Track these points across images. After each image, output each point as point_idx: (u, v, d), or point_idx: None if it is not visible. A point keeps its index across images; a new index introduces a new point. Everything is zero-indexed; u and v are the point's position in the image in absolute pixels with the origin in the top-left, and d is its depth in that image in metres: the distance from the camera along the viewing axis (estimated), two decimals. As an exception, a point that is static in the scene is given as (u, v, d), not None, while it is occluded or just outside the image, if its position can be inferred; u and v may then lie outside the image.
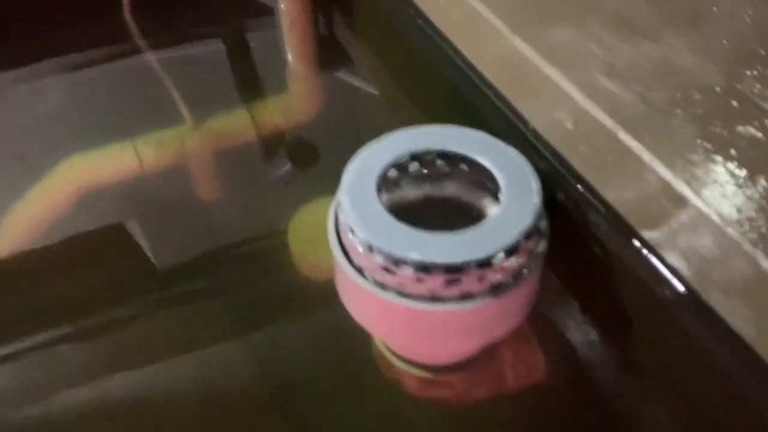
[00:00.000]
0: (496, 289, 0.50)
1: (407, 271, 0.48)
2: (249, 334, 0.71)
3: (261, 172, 0.85)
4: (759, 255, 0.41)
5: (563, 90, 0.51)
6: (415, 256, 0.47)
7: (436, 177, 0.56)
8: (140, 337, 0.70)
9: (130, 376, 0.66)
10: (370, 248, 0.49)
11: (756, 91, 0.49)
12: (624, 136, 0.48)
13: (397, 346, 0.60)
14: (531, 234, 0.49)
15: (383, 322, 0.55)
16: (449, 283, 0.48)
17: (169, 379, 0.67)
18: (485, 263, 0.48)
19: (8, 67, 0.92)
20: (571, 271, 0.58)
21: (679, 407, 0.52)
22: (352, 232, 0.50)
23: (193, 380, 0.66)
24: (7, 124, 0.88)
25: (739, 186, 0.44)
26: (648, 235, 0.48)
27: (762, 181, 0.44)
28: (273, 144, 0.87)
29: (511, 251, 0.48)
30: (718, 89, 0.50)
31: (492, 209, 0.55)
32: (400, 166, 0.55)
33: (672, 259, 0.47)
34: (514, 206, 0.50)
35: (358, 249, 0.50)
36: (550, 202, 0.54)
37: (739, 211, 0.42)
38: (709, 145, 0.46)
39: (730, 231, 0.42)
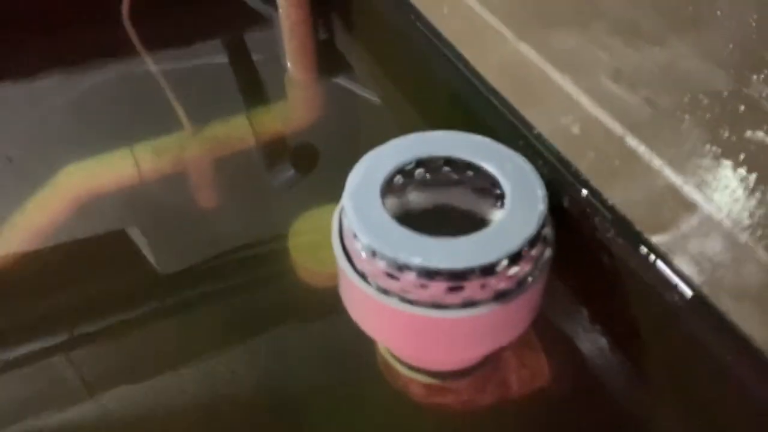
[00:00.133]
0: (501, 297, 0.49)
1: (410, 277, 0.48)
2: (250, 342, 0.70)
3: (260, 179, 0.85)
4: (772, 260, 0.40)
5: (570, 95, 0.51)
6: (418, 261, 0.47)
7: (442, 183, 0.56)
8: (140, 345, 0.70)
9: (130, 385, 0.66)
10: (373, 253, 0.49)
11: (764, 95, 0.49)
12: (632, 141, 0.47)
13: (401, 352, 0.60)
14: (535, 241, 0.49)
15: (386, 329, 0.55)
16: (452, 289, 0.48)
17: (170, 388, 0.66)
18: (488, 270, 0.47)
19: (6, 73, 0.92)
20: (577, 278, 0.58)
21: (690, 414, 0.52)
22: (356, 237, 0.50)
23: (193, 388, 0.66)
24: (5, 132, 0.88)
25: (751, 190, 0.43)
26: (657, 240, 0.48)
27: (773, 186, 0.44)
28: (272, 151, 0.87)
29: (514, 258, 0.48)
30: (725, 94, 0.49)
31: (497, 216, 0.54)
32: (406, 172, 0.54)
33: (682, 265, 0.47)
34: (518, 213, 0.50)
35: (361, 254, 0.50)
36: (556, 208, 0.54)
37: (750, 215, 0.42)
38: (718, 150, 0.46)
39: (743, 236, 0.42)
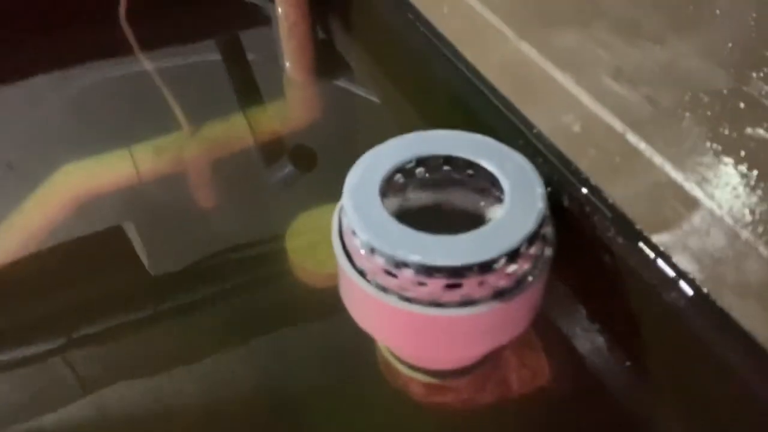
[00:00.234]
0: (499, 295, 0.49)
1: (408, 274, 0.48)
2: (248, 342, 0.70)
3: (258, 178, 0.85)
4: (774, 256, 0.41)
5: (571, 93, 0.51)
6: (416, 258, 0.47)
7: (441, 182, 0.56)
8: (138, 346, 0.70)
9: (128, 386, 0.66)
10: (372, 250, 0.49)
11: (764, 93, 0.49)
12: (633, 139, 0.48)
13: (400, 351, 0.60)
14: (534, 239, 0.49)
15: (385, 327, 0.55)
16: (450, 287, 0.48)
17: (168, 389, 0.66)
18: (487, 267, 0.47)
19: (4, 73, 0.91)
20: (577, 277, 0.58)
21: (691, 413, 0.52)
22: (355, 234, 0.50)
23: (192, 388, 0.66)
24: (3, 132, 0.87)
25: (752, 188, 0.44)
26: (658, 238, 0.48)
27: (774, 183, 0.44)
28: (270, 151, 0.87)
29: (513, 256, 0.48)
30: (725, 91, 0.50)
31: (496, 214, 0.54)
32: (406, 171, 0.54)
33: (684, 262, 0.47)
34: (517, 211, 0.50)
35: (360, 252, 0.50)
36: (557, 207, 0.54)
37: (752, 212, 0.42)
38: (719, 147, 0.46)
39: (744, 233, 0.42)
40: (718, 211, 0.43)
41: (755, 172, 0.44)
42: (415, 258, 0.47)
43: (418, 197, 0.56)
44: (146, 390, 0.65)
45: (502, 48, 0.57)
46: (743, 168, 0.45)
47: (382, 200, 0.51)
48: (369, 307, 0.53)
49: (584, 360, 0.60)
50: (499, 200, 0.52)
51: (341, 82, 0.92)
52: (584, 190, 0.54)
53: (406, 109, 0.82)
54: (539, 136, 0.57)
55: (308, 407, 0.64)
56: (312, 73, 0.92)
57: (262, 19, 0.91)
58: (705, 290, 0.46)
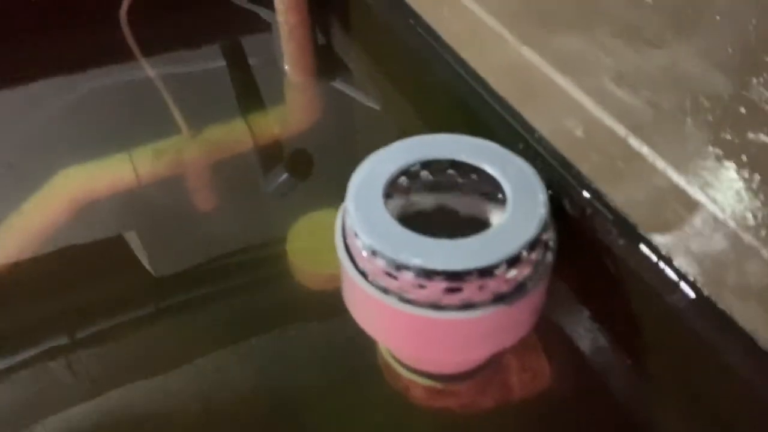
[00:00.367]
0: (499, 299, 0.49)
1: (409, 277, 0.48)
2: (249, 345, 0.70)
3: (258, 182, 0.85)
4: (776, 259, 0.41)
5: (573, 98, 0.52)
6: (417, 261, 0.47)
7: (445, 186, 0.56)
8: (139, 348, 0.70)
9: (128, 389, 0.66)
10: (374, 252, 0.49)
11: (764, 98, 0.49)
12: (635, 143, 0.48)
13: (401, 353, 0.60)
14: (535, 245, 0.49)
15: (386, 328, 0.55)
16: (450, 290, 0.48)
17: (168, 391, 0.66)
18: (487, 272, 0.48)
19: (4, 77, 0.91)
20: (580, 280, 0.59)
21: (692, 413, 0.53)
22: (357, 236, 0.50)
23: (192, 392, 0.66)
24: (3, 135, 0.87)
25: (754, 192, 0.44)
26: (660, 240, 0.49)
27: (775, 187, 0.44)
28: (270, 154, 0.87)
29: (513, 261, 0.48)
30: (726, 96, 0.50)
31: (498, 219, 0.55)
32: (410, 174, 0.54)
33: (685, 265, 0.47)
34: (519, 217, 0.50)
35: (362, 253, 0.50)
36: (557, 210, 0.55)
37: (754, 216, 0.43)
38: (720, 152, 0.46)
39: (746, 236, 0.42)
40: (720, 215, 0.43)
41: (757, 177, 0.45)
42: (415, 261, 0.47)
43: (421, 200, 0.56)
44: (147, 392, 0.65)
45: (504, 52, 0.57)
46: (745, 172, 0.45)
47: (386, 202, 0.52)
48: (370, 308, 0.53)
49: (585, 362, 0.61)
50: (502, 205, 0.53)
51: (341, 86, 0.92)
52: (586, 194, 0.54)
53: (406, 113, 0.82)
54: (540, 140, 0.58)
55: (309, 409, 0.64)
56: (312, 77, 0.92)
57: (262, 22, 0.92)
58: (707, 292, 0.47)
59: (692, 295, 0.48)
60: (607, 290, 0.55)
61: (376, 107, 0.87)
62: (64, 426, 0.63)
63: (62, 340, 0.70)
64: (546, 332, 0.61)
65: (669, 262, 0.49)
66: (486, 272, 0.48)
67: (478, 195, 0.56)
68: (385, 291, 0.50)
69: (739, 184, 0.44)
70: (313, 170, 0.85)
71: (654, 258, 0.50)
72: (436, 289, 0.48)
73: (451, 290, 0.48)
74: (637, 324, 0.54)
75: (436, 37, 0.69)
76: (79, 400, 0.65)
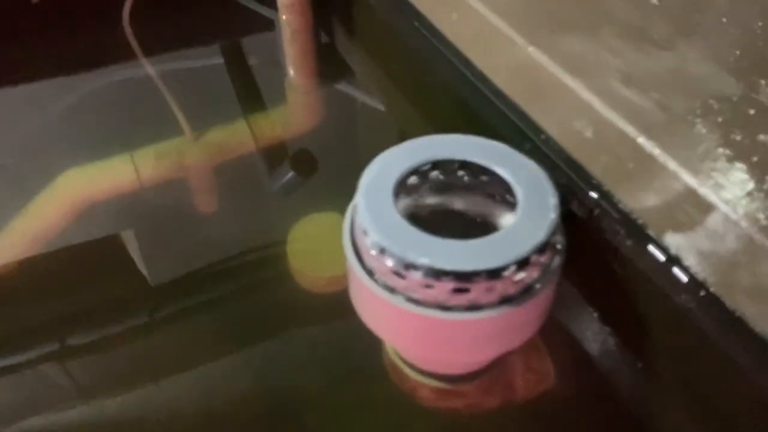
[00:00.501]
0: (507, 301, 0.49)
1: (416, 276, 0.48)
2: (250, 347, 0.70)
3: (260, 184, 0.85)
4: (789, 260, 0.41)
5: (582, 99, 0.52)
6: (425, 261, 0.47)
7: (455, 186, 0.56)
8: (139, 351, 0.69)
9: (128, 393, 0.65)
10: (382, 251, 0.49)
11: (773, 100, 0.50)
12: (646, 144, 0.48)
13: (407, 353, 0.60)
14: (544, 249, 0.49)
15: (392, 327, 0.55)
16: (458, 291, 0.48)
17: (168, 394, 0.66)
18: (495, 274, 0.47)
19: (5, 77, 0.91)
20: (586, 280, 0.59)
21: (702, 415, 0.53)
22: (366, 233, 0.50)
23: (192, 396, 0.65)
24: (4, 137, 0.87)
25: (766, 192, 0.44)
26: (671, 241, 0.49)
27: (788, 188, 0.45)
28: (272, 156, 0.87)
29: (522, 264, 0.48)
30: (735, 98, 0.50)
31: (508, 221, 0.55)
32: (420, 173, 0.54)
33: (696, 266, 0.47)
34: (529, 220, 0.50)
35: (370, 251, 0.50)
36: (565, 211, 0.55)
37: (767, 216, 0.43)
38: (731, 153, 0.47)
39: (759, 236, 0.42)
40: (732, 215, 0.43)
41: (768, 178, 0.45)
42: (423, 261, 0.47)
43: (431, 200, 0.56)
44: (146, 394, 0.65)
45: (512, 53, 0.58)
46: (757, 173, 0.45)
47: (396, 201, 0.52)
48: (376, 307, 0.53)
49: (591, 364, 0.61)
50: (512, 207, 0.53)
51: (344, 88, 0.92)
52: (594, 195, 0.54)
53: (410, 114, 0.82)
54: (547, 141, 0.58)
55: (312, 411, 0.64)
56: (315, 79, 0.92)
57: (265, 24, 0.91)
58: (718, 293, 0.47)
59: (702, 296, 0.48)
60: (615, 291, 0.55)
61: (379, 109, 0.87)
62: (62, 429, 0.63)
63: (62, 343, 0.69)
64: (551, 333, 0.61)
65: (679, 263, 0.49)
66: (494, 274, 0.47)
67: (489, 197, 0.56)
68: (392, 290, 0.50)
69: (751, 185, 0.45)
70: (316, 173, 0.85)
71: (663, 258, 0.50)
72: (443, 289, 0.48)
73: (458, 291, 0.48)
74: (645, 325, 0.54)
75: (441, 38, 0.69)
76: (78, 403, 0.65)
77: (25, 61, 0.92)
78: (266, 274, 0.77)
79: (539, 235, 0.49)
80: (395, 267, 0.49)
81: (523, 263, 0.48)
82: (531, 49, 0.56)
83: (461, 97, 0.68)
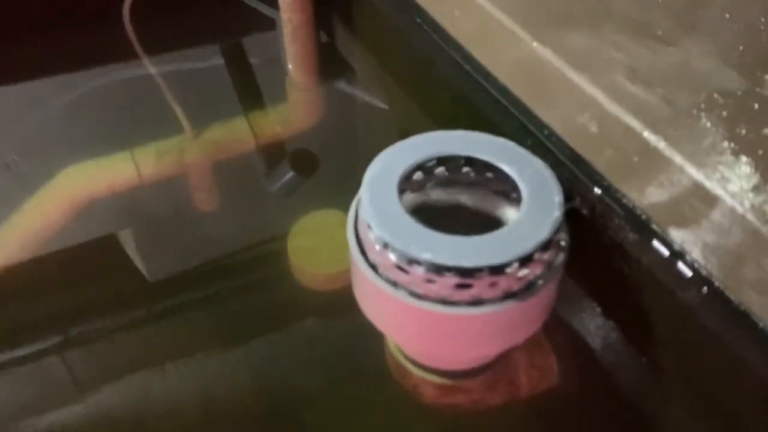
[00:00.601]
0: (510, 297, 0.49)
1: (419, 271, 0.48)
2: (250, 346, 0.70)
3: (260, 182, 0.85)
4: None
5: (587, 94, 0.52)
6: (427, 256, 0.47)
7: (461, 182, 0.56)
8: (140, 349, 0.69)
9: (129, 390, 0.65)
10: (385, 245, 0.49)
11: (778, 94, 0.50)
12: (651, 138, 0.48)
13: (410, 347, 0.60)
14: (548, 246, 0.49)
15: (395, 322, 0.55)
16: (460, 286, 0.48)
17: (168, 393, 0.66)
18: (498, 270, 0.48)
19: (6, 76, 0.91)
20: (590, 276, 0.59)
21: (706, 411, 0.53)
22: (370, 228, 0.50)
23: (192, 394, 0.65)
24: (4, 134, 0.87)
25: (772, 185, 0.44)
26: (677, 235, 0.49)
27: (794, 181, 0.45)
28: (273, 154, 0.87)
29: (525, 261, 0.48)
30: (739, 93, 0.50)
31: (512, 218, 0.55)
32: (426, 169, 0.55)
33: (702, 259, 0.47)
34: (534, 217, 0.50)
35: (374, 246, 0.50)
36: (570, 208, 0.55)
37: (774, 209, 0.43)
38: (737, 146, 0.47)
39: (766, 229, 0.42)
40: (739, 208, 0.44)
41: (775, 171, 0.45)
42: (426, 256, 0.47)
43: (436, 196, 0.56)
44: (147, 393, 0.65)
45: (516, 49, 0.58)
46: (763, 166, 0.45)
47: (400, 196, 0.52)
48: (379, 302, 0.53)
49: (594, 359, 0.61)
50: (517, 204, 0.53)
51: (345, 86, 0.92)
52: (597, 190, 0.54)
53: (411, 112, 0.82)
54: (550, 136, 0.58)
55: (315, 409, 0.64)
56: (315, 77, 0.92)
57: (266, 22, 0.91)
58: (723, 287, 0.47)
59: (707, 290, 0.48)
60: (618, 287, 0.55)
61: (380, 106, 0.87)
62: (62, 426, 0.63)
63: (62, 339, 0.69)
64: (555, 329, 0.61)
65: (683, 257, 0.49)
66: (497, 270, 0.48)
67: (494, 193, 0.56)
68: (396, 285, 0.50)
69: (757, 178, 0.45)
70: (316, 171, 0.84)
71: (667, 253, 0.50)
72: (446, 284, 0.48)
73: (461, 286, 0.48)
74: (649, 321, 0.54)
75: (443, 34, 0.69)
76: (78, 401, 0.65)
77: (26, 60, 0.92)
78: (267, 271, 0.77)
79: (543, 233, 0.49)
80: (398, 262, 0.49)
81: (526, 260, 0.48)
82: (535, 44, 0.56)
83: (463, 93, 0.68)
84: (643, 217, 0.51)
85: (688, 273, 0.49)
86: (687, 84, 0.51)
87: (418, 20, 0.73)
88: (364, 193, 0.52)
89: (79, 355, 0.69)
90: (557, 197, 0.51)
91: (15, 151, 0.84)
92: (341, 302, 0.62)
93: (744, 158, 0.46)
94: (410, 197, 0.55)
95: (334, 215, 0.75)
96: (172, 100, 0.86)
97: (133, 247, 0.77)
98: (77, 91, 0.90)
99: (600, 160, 0.53)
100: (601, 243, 0.55)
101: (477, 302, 0.49)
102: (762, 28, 0.56)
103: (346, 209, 0.55)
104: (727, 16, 0.57)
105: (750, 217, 0.43)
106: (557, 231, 0.50)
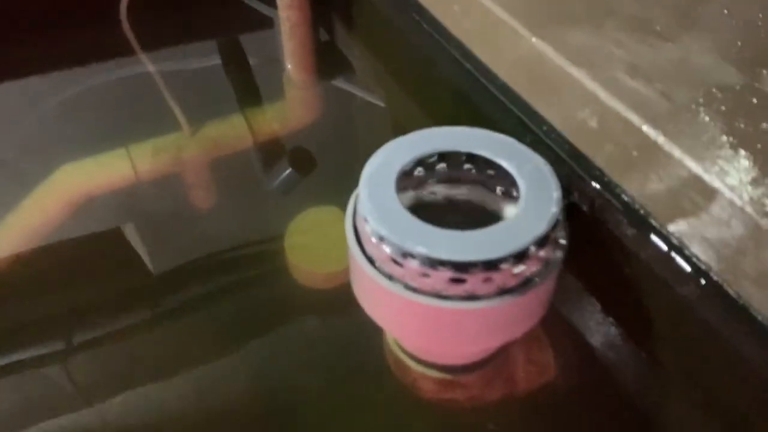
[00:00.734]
0: (505, 293, 0.49)
1: (413, 265, 0.48)
2: (248, 344, 0.70)
3: (258, 180, 0.85)
4: (795, 244, 0.41)
5: (587, 89, 0.52)
6: (421, 250, 0.47)
7: (460, 178, 0.56)
8: (137, 347, 0.69)
9: (125, 390, 0.65)
10: (381, 238, 0.49)
11: (776, 89, 0.50)
12: (651, 132, 0.48)
13: (407, 342, 0.60)
14: (544, 242, 0.49)
15: (391, 316, 0.55)
16: (454, 281, 0.48)
17: (166, 392, 0.65)
18: (492, 265, 0.48)
19: (4, 74, 0.91)
20: (589, 271, 0.59)
21: (705, 406, 0.53)
22: (366, 221, 0.50)
23: (190, 393, 0.65)
24: (2, 132, 0.87)
25: (771, 179, 0.45)
26: (676, 229, 0.49)
27: (792, 175, 0.45)
28: (271, 152, 0.87)
29: (520, 257, 0.48)
30: (738, 88, 0.51)
31: (509, 214, 0.55)
32: (426, 164, 0.55)
33: (701, 253, 0.48)
34: (531, 213, 0.50)
35: (370, 239, 0.50)
36: (569, 203, 0.55)
37: (773, 202, 0.43)
38: (735, 140, 0.47)
39: (765, 222, 0.43)
40: (738, 201, 0.44)
41: (774, 165, 0.45)
42: (420, 250, 0.47)
43: (435, 192, 0.57)
44: (144, 394, 0.65)
45: (516, 45, 0.58)
46: (762, 160, 0.46)
47: (399, 191, 0.52)
48: (377, 295, 0.53)
49: (593, 355, 0.61)
50: (516, 201, 0.53)
51: (342, 84, 0.92)
52: (596, 185, 0.55)
53: (410, 109, 0.82)
54: (549, 132, 0.58)
55: (314, 406, 0.64)
56: (313, 74, 0.92)
57: (264, 19, 0.91)
58: (722, 281, 0.47)
59: (706, 284, 0.48)
60: (617, 282, 0.55)
61: (378, 104, 0.87)
62: (60, 427, 0.62)
63: (59, 339, 0.69)
64: (553, 325, 0.61)
65: (682, 252, 0.49)
66: (491, 265, 0.48)
67: (493, 190, 0.56)
68: (391, 278, 0.50)
69: (756, 172, 0.45)
70: (314, 168, 0.84)
71: (666, 248, 0.50)
72: (440, 278, 0.48)
73: (455, 281, 0.48)
74: (648, 316, 0.54)
75: (442, 31, 0.69)
76: (76, 401, 0.64)
77: (24, 58, 0.91)
78: (264, 269, 0.77)
79: (539, 229, 0.49)
80: (393, 255, 0.49)
81: (521, 256, 0.48)
82: (535, 40, 0.56)
83: (462, 90, 0.68)
84: (642, 211, 0.52)
85: (687, 267, 0.49)
86: (686, 79, 0.52)
87: (417, 17, 0.73)
88: (362, 186, 0.52)
89: (76, 354, 0.68)
90: (555, 194, 0.51)
91: (13, 148, 0.84)
92: (339, 300, 0.62)
93: (742, 152, 0.46)
94: (411, 194, 0.56)
95: (331, 212, 0.75)
96: (169, 97, 0.86)
97: (128, 245, 0.77)
98: (75, 88, 0.90)
99: (599, 156, 0.54)
100: (599, 238, 0.56)
101: (472, 297, 0.49)
102: (760, 24, 0.56)
103: (343, 207, 0.55)
104: (726, 12, 0.58)
105: (749, 209, 0.43)
106: (554, 228, 0.50)
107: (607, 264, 0.56)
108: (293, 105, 0.93)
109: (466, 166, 0.55)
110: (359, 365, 0.66)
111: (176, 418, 0.63)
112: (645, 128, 0.49)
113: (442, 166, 0.55)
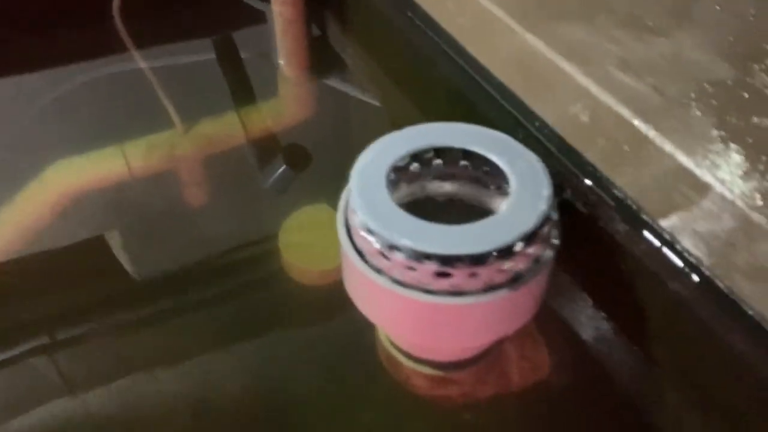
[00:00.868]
0: (492, 289, 0.49)
1: (399, 257, 0.48)
2: (243, 341, 0.70)
3: (252, 177, 0.85)
4: (786, 238, 0.41)
5: (579, 84, 0.52)
6: (406, 242, 0.47)
7: (453, 174, 0.56)
8: (130, 347, 0.69)
9: (117, 391, 0.65)
10: (369, 230, 0.49)
11: (767, 83, 0.50)
12: (643, 126, 0.48)
13: (396, 336, 0.60)
14: (532, 239, 0.49)
15: (380, 309, 0.55)
16: (440, 275, 0.48)
17: (158, 393, 0.65)
18: (478, 259, 0.47)
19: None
20: (581, 266, 0.59)
21: (699, 402, 0.53)
22: (355, 213, 0.50)
23: (183, 393, 0.65)
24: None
25: (761, 172, 0.45)
26: (667, 224, 0.49)
27: (783, 168, 0.45)
28: (264, 149, 0.87)
29: (506, 252, 0.48)
30: (729, 82, 0.51)
31: (499, 210, 0.55)
32: (418, 159, 0.55)
33: (693, 247, 0.48)
34: (519, 210, 0.50)
35: (359, 231, 0.50)
36: (561, 200, 0.55)
37: (763, 196, 0.43)
38: (726, 135, 0.47)
39: (756, 216, 0.43)
40: (729, 195, 0.44)
41: (764, 158, 0.45)
42: (405, 242, 0.47)
43: (427, 187, 0.57)
44: (136, 395, 0.64)
45: (509, 41, 0.58)
46: (752, 154, 0.46)
47: (390, 185, 0.52)
48: (366, 288, 0.53)
49: (586, 351, 0.61)
50: (506, 197, 0.53)
51: (336, 80, 0.92)
52: (588, 181, 0.55)
53: (403, 106, 0.82)
54: (541, 128, 0.58)
55: (308, 403, 0.64)
56: (307, 71, 0.92)
57: (257, 15, 0.91)
58: (715, 276, 0.47)
59: (698, 279, 0.48)
60: (610, 278, 0.55)
61: (371, 101, 0.87)
62: (50, 426, 0.62)
63: (51, 338, 0.69)
64: (546, 321, 0.61)
65: (674, 247, 0.49)
66: (477, 259, 0.47)
67: (484, 186, 0.56)
68: (379, 271, 0.50)
69: (746, 165, 0.45)
70: (307, 165, 0.84)
71: (658, 243, 0.50)
72: (426, 272, 0.48)
73: (441, 275, 0.48)
74: (641, 312, 0.54)
75: (436, 28, 0.69)
76: (66, 401, 0.64)
77: (15, 54, 0.91)
78: (258, 266, 0.76)
79: (527, 225, 0.48)
80: (380, 247, 0.49)
81: (507, 251, 0.48)
82: (528, 36, 0.56)
83: (456, 86, 0.68)
84: (634, 206, 0.52)
85: (679, 263, 0.49)
86: (678, 74, 0.52)
87: (410, 14, 0.73)
88: (353, 179, 0.52)
89: (68, 355, 0.68)
90: (546, 191, 0.51)
91: (4, 145, 0.84)
92: (333, 297, 0.62)
93: (733, 146, 0.46)
94: (406, 189, 0.56)
95: (325, 210, 0.75)
96: (162, 94, 0.86)
97: (123, 242, 0.77)
98: (67, 85, 0.90)
99: (591, 150, 0.54)
100: (592, 234, 0.56)
101: (458, 292, 0.49)
102: (752, 19, 0.57)
103: (336, 205, 0.55)
104: (718, 8, 0.58)
105: (740, 203, 0.43)
106: (543, 224, 0.49)
107: (600, 260, 0.56)
108: (287, 102, 0.93)
109: (463, 163, 0.55)
110: (353, 361, 0.66)
111: (171, 415, 0.63)
112: (636, 123, 0.49)
113: (438, 162, 0.55)
